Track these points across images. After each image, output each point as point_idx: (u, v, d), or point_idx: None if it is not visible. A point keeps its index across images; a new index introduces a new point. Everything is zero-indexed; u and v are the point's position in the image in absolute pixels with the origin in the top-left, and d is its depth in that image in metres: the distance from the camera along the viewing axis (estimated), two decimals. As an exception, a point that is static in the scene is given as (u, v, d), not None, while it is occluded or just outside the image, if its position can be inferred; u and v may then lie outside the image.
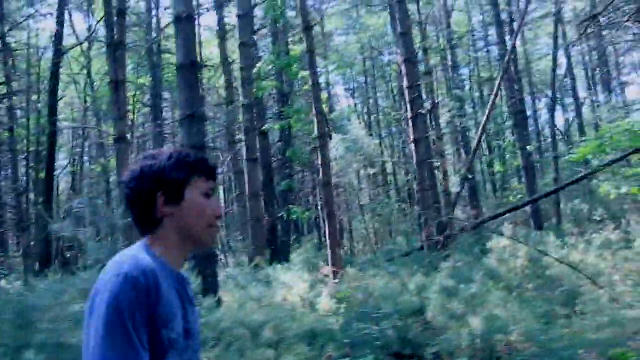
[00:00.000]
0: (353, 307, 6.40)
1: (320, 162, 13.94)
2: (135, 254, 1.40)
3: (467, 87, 26.43)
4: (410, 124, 11.71)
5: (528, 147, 17.25)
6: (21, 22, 15.94)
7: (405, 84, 11.97)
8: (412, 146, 12.04)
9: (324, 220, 14.05)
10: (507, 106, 20.27)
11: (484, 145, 23.50)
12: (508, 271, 8.46)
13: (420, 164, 11.66)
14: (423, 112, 11.39)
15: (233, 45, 18.21)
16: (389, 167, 26.38)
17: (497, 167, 24.03)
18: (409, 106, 11.57)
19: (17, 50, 14.93)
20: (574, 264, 7.92)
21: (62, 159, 29.40)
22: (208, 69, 19.76)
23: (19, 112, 21.33)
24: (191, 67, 7.06)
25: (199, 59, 9.47)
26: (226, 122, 15.47)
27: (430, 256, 11.46)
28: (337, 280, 9.96)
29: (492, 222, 13.46)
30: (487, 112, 13.98)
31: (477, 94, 26.73)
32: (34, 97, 20.21)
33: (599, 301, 6.32)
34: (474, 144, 15.08)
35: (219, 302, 6.33)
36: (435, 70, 21.92)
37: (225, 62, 15.72)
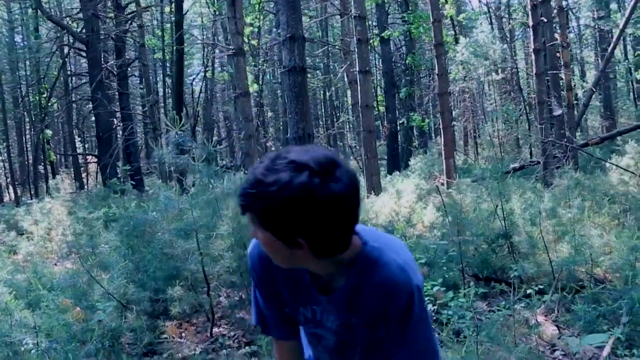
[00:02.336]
0: (444, 225, 6.49)
1: (437, 72, 13.63)
2: None
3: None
4: (531, 32, 10.91)
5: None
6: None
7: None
8: (533, 56, 11.30)
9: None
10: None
11: (629, 50, 21.05)
12: (622, 195, 7.98)
13: (539, 76, 10.97)
14: (545, 20, 10.52)
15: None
16: (522, 73, 24.76)
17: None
18: (530, 13, 10.73)
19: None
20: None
21: (196, 65, 31.26)
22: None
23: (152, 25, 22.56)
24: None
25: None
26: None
27: (543, 172, 11.05)
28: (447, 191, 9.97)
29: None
30: (627, 12, 12.56)
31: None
32: (167, 9, 21.52)
33: None
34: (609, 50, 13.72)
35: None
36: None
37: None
